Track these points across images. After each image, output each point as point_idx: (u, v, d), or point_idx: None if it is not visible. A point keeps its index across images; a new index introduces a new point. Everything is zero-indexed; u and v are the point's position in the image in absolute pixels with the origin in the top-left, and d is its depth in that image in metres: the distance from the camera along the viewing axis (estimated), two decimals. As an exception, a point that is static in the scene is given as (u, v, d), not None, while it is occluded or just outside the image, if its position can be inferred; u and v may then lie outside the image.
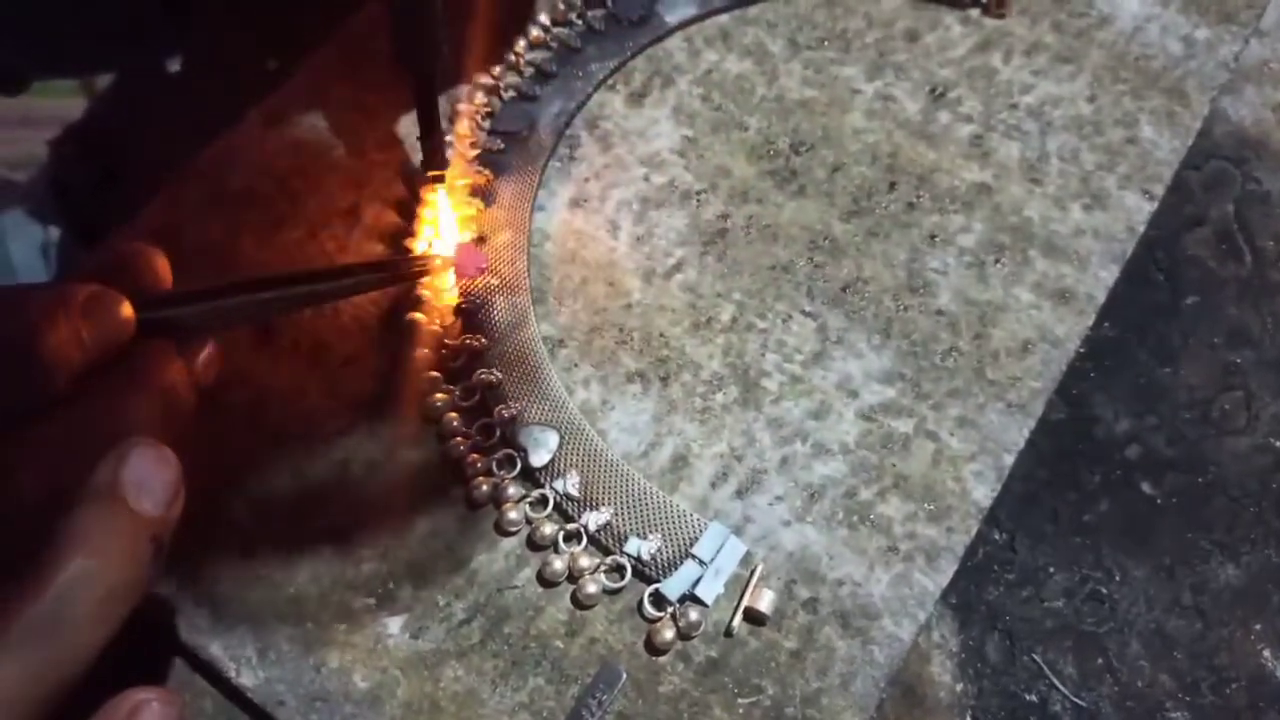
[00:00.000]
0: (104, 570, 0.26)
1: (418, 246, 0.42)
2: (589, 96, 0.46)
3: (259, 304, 0.33)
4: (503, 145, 0.44)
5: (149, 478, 0.28)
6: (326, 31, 0.48)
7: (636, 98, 0.46)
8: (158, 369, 0.30)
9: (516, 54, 0.46)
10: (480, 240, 0.41)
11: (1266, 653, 0.35)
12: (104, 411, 0.29)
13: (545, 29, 0.47)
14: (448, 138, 0.44)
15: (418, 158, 0.43)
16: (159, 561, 0.28)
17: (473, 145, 0.44)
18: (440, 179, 0.40)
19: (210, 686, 0.35)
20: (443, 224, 0.41)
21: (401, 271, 0.39)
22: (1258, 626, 0.36)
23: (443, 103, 0.41)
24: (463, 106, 0.45)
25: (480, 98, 0.45)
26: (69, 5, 0.52)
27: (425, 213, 0.43)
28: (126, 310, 0.29)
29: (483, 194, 0.43)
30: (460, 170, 0.43)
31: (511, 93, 0.46)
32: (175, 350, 0.31)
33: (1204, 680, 0.35)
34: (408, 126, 0.45)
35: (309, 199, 0.44)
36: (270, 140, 0.45)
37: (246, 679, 0.34)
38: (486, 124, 0.45)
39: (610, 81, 0.46)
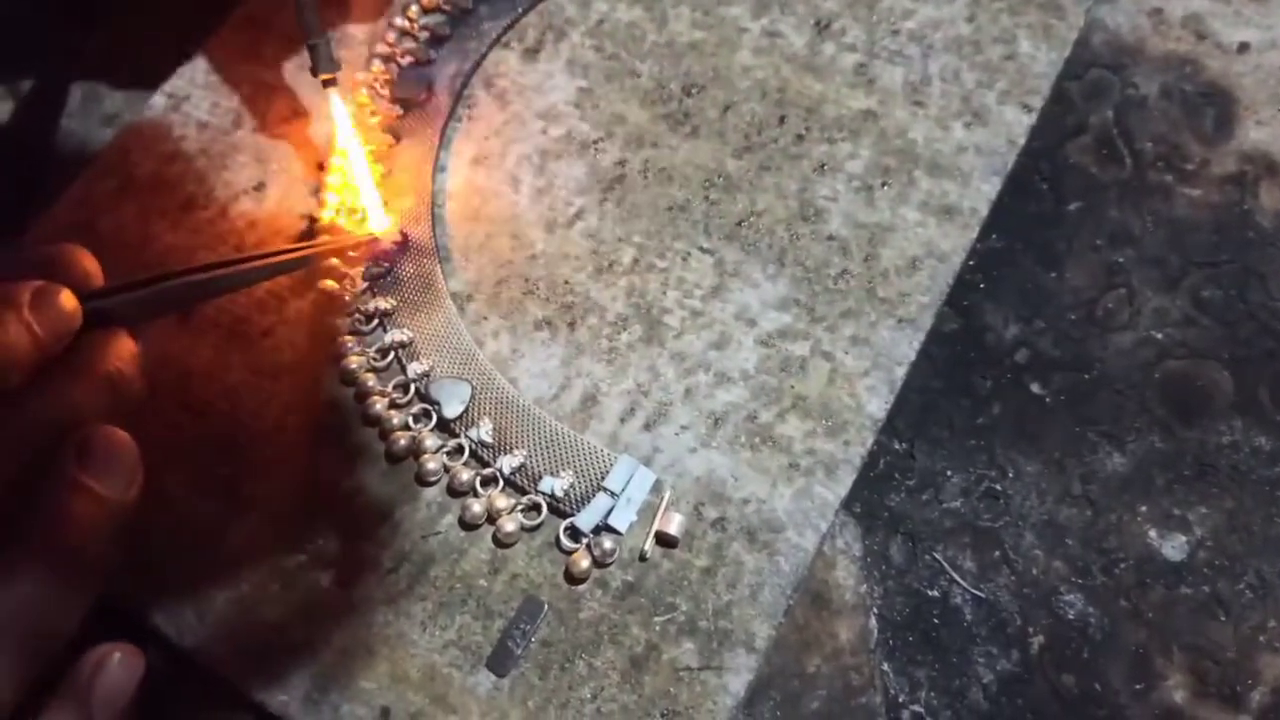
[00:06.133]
0: (67, 558, 0.28)
1: (325, 215, 0.43)
2: (484, 56, 0.47)
3: (189, 288, 0.34)
4: (402, 111, 0.45)
5: (109, 462, 0.29)
6: (224, 12, 0.49)
7: (531, 53, 0.47)
8: (104, 356, 0.31)
9: (410, 19, 0.47)
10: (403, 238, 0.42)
11: (1152, 532, 0.38)
12: (56, 401, 0.30)
13: (437, -8, 0.47)
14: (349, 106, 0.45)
15: (321, 129, 0.44)
16: (120, 543, 0.29)
17: (373, 115, 0.45)
18: (333, 81, 0.41)
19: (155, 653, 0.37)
20: (360, 191, 0.42)
21: (324, 251, 0.40)
22: (1143, 509, 0.38)
23: (342, 77, 0.42)
24: (360, 76, 0.46)
25: (378, 66, 0.46)
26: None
27: (332, 180, 0.44)
28: (71, 302, 0.30)
29: (386, 161, 0.44)
30: (364, 138, 0.44)
31: (408, 59, 0.46)
32: (125, 336, 0.32)
33: (1095, 563, 0.37)
34: (310, 101, 0.46)
35: (216, 179, 0.45)
36: (174, 123, 0.46)
37: (189, 642, 0.36)
38: (385, 92, 0.46)
39: (504, 39, 0.47)
